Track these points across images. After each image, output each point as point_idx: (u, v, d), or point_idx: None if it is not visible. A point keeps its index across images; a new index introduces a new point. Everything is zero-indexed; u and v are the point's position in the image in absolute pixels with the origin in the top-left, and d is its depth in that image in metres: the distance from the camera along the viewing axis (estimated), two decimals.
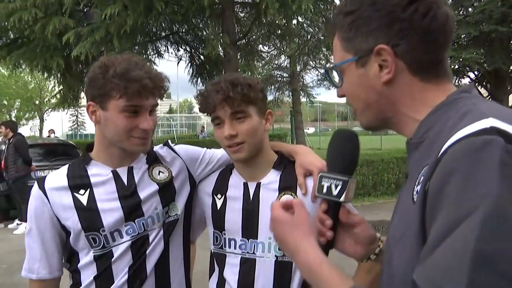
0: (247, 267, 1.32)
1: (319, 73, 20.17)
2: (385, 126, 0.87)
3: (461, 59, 12.17)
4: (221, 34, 9.07)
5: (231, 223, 1.36)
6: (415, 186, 0.73)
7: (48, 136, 14.25)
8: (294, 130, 17.32)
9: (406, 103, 0.80)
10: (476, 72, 14.17)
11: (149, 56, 12.77)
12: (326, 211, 0.93)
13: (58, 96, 14.95)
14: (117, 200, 1.31)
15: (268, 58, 17.13)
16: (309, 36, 12.95)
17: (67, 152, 9.02)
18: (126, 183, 1.33)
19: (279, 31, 11.68)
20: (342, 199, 0.89)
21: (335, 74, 0.89)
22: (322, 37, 12.22)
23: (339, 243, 0.96)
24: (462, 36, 12.72)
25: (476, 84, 14.58)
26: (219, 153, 1.51)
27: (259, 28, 11.77)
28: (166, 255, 1.37)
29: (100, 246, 1.28)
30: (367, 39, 0.79)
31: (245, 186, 1.37)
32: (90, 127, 35.51)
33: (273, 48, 16.56)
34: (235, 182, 1.40)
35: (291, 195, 1.32)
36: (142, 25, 8.75)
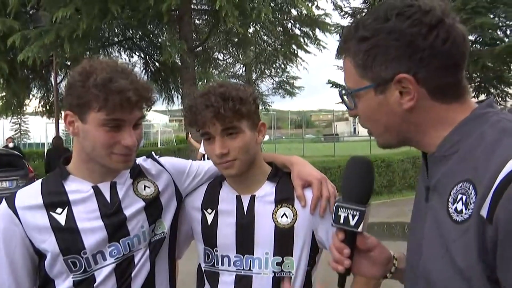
0: (243, 285, 1.24)
1: (274, 82, 20.41)
2: (403, 144, 0.87)
3: None
4: (178, 41, 8.91)
5: (224, 239, 1.28)
6: (450, 204, 0.73)
7: (6, 146, 12.99)
8: None
9: (430, 125, 0.80)
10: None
11: None
12: (343, 240, 0.93)
13: (0, 103, 14.03)
14: (99, 218, 1.18)
15: (224, 66, 17.10)
16: (266, 45, 13.07)
17: (12, 163, 8.41)
18: (109, 200, 1.21)
19: (236, 39, 11.70)
20: (360, 229, 0.90)
21: (346, 96, 0.88)
22: (279, 47, 12.37)
23: (356, 267, 0.96)
24: None
25: None
26: (206, 165, 1.43)
27: (216, 36, 11.74)
28: (152, 277, 1.26)
29: (81, 271, 1.15)
30: (386, 67, 0.77)
31: (238, 199, 1.30)
32: (34, 136, 33.57)
33: (229, 56, 16.57)
34: (227, 195, 1.32)
35: (289, 207, 1.27)
36: (96, 29, 8.41)
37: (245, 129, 1.21)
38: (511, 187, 0.63)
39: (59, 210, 1.17)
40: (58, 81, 12.49)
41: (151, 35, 12.13)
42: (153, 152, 1.43)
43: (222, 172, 1.27)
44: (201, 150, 7.84)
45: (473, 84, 14.53)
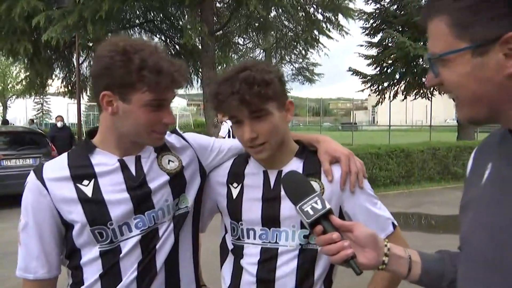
0: (268, 257, 1.25)
1: (294, 68, 20.25)
2: (492, 120, 0.78)
3: None
4: (199, 24, 8.88)
5: (249, 213, 1.28)
6: None
7: (55, 125, 11.03)
8: None
9: None
10: None
11: None
12: (323, 232, 0.95)
13: (24, 82, 14.32)
14: (125, 191, 1.19)
15: (244, 50, 17.02)
16: (287, 30, 12.93)
17: (35, 141, 8.61)
18: (134, 173, 1.22)
19: (257, 24, 11.60)
20: (327, 205, 0.97)
21: (430, 62, 0.79)
22: (300, 32, 12.21)
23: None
24: None
25: None
26: (228, 143, 1.44)
27: (236, 20, 11.65)
28: (176, 250, 1.27)
29: (108, 241, 1.17)
30: (491, 26, 0.70)
31: (265, 174, 1.30)
32: (55, 116, 34.27)
33: (248, 41, 16.47)
34: (253, 171, 1.32)
35: (316, 181, 1.27)
36: (118, 11, 8.45)
37: (273, 111, 1.20)
38: None
39: (85, 182, 1.18)
40: (80, 62, 12.64)
41: (172, 18, 12.12)
42: (177, 128, 1.44)
43: (253, 156, 1.28)
44: (221, 133, 7.87)
45: None
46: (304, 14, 11.43)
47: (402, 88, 15.40)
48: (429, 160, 10.35)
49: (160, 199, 1.24)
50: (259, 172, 1.31)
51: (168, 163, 1.29)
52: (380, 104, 16.02)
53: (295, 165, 1.29)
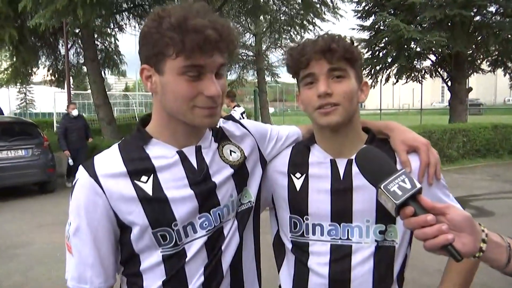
0: (341, 255, 1.14)
1: (285, 52, 20.02)
2: None
3: (426, 42, 12.43)
4: None
5: (317, 206, 1.16)
6: None
7: (67, 114, 9.14)
8: (259, 110, 17.17)
9: None
10: (436, 55, 14.59)
11: (112, 30, 12.02)
12: (414, 213, 0.84)
13: (7, 71, 13.84)
14: (187, 187, 1.05)
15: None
16: (280, 14, 12.69)
17: (26, 131, 8.33)
18: (196, 166, 1.08)
19: (250, 6, 11.33)
20: (418, 184, 0.86)
21: None
22: (295, 15, 12.00)
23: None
24: (427, 19, 12.97)
25: (437, 66, 15.07)
26: (285, 130, 1.32)
27: (228, 4, 11.38)
28: (240, 250, 1.15)
29: (171, 244, 1.04)
30: None
31: (333, 163, 1.18)
32: (40, 106, 33.36)
33: (238, 26, 16.16)
34: (318, 159, 1.20)
35: None
36: None
37: (351, 76, 1.11)
38: None
39: (144, 178, 1.04)
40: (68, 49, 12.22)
41: (161, 2, 11.77)
42: (231, 114, 1.30)
43: (320, 121, 1.13)
44: None
45: (490, 58, 14.21)
46: None
47: (394, 71, 15.33)
48: None
49: (225, 195, 1.10)
50: (325, 161, 1.19)
51: (230, 154, 1.15)
52: (373, 88, 15.96)
53: None
